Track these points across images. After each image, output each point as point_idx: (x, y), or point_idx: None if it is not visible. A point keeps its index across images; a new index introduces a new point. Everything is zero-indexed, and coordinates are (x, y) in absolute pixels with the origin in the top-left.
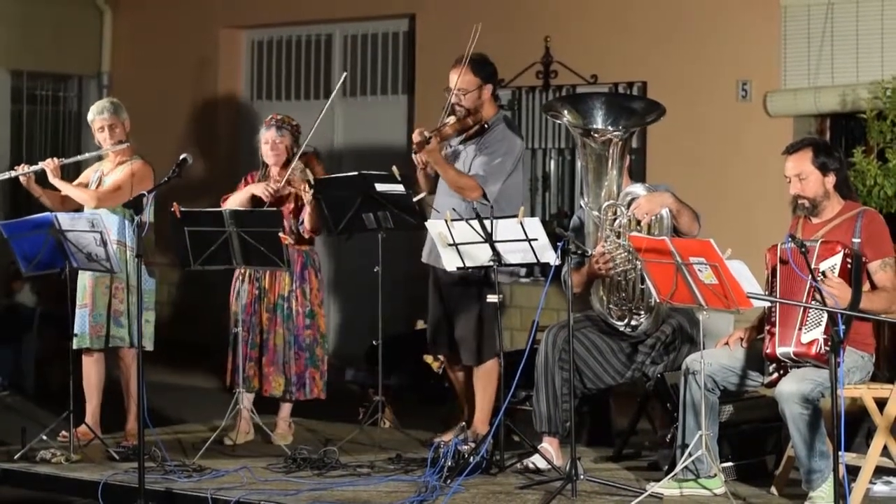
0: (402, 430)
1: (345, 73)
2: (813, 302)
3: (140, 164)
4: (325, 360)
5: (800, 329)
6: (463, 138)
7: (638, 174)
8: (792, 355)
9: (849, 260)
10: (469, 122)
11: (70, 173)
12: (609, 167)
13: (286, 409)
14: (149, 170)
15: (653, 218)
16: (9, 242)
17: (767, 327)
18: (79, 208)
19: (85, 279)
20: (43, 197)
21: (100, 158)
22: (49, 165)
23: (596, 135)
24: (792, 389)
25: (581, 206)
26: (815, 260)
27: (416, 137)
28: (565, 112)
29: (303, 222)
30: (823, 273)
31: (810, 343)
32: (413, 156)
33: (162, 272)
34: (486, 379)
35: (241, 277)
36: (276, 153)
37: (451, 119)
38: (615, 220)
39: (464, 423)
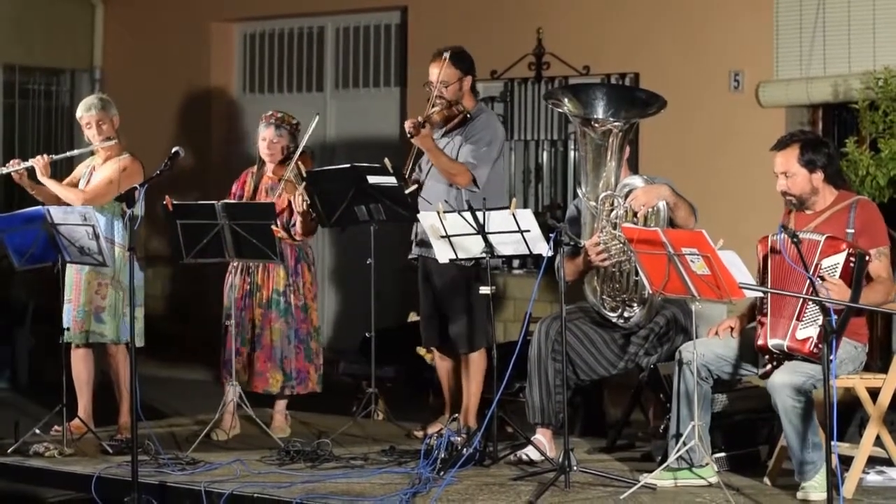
0: (396, 422)
1: (317, 115)
2: (809, 293)
3: (129, 160)
4: (321, 354)
5: (796, 322)
6: (445, 130)
7: (630, 164)
8: (785, 349)
9: (852, 259)
10: (454, 110)
11: (63, 168)
12: (608, 158)
13: (282, 402)
14: (138, 165)
15: (649, 210)
16: (1, 237)
17: (759, 318)
18: None
19: (72, 274)
20: (37, 194)
21: (91, 154)
22: (39, 163)
23: (596, 125)
24: (784, 381)
25: (579, 196)
26: (819, 255)
27: (409, 123)
28: (566, 100)
29: (294, 224)
30: (822, 277)
31: (805, 340)
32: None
33: (155, 266)
34: (475, 368)
35: (233, 271)
36: (272, 152)
37: (437, 108)
38: (612, 211)
39: (456, 414)
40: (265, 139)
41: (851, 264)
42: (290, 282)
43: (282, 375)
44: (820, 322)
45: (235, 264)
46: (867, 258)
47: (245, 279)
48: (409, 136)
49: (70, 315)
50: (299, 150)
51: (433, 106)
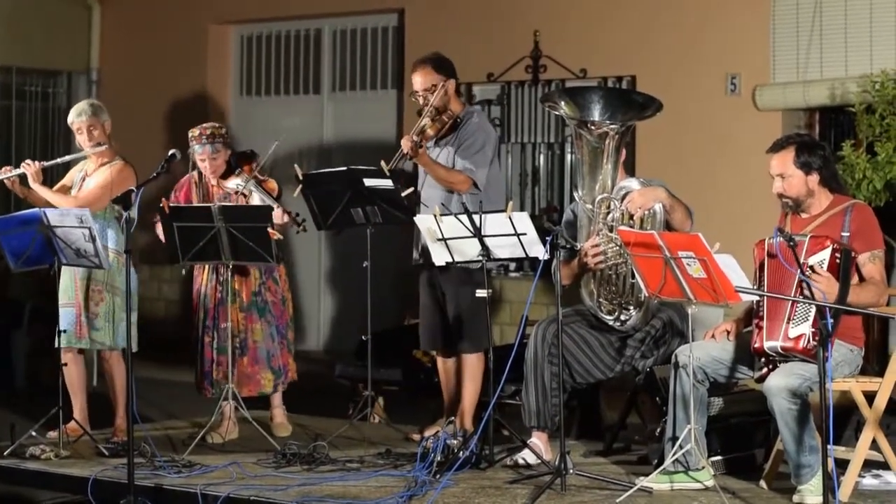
0: (392, 424)
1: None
2: (801, 296)
3: (121, 165)
4: (293, 341)
5: (787, 323)
6: (436, 138)
7: (627, 168)
8: (779, 350)
9: (837, 255)
10: (444, 118)
11: (57, 173)
12: (604, 160)
13: (277, 396)
14: (130, 171)
15: (646, 213)
16: None
17: (755, 321)
18: None
19: (68, 277)
20: (29, 198)
21: (84, 159)
22: (30, 170)
23: (592, 127)
24: (780, 384)
25: (575, 200)
26: (804, 254)
27: (406, 144)
28: (562, 103)
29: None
30: (812, 268)
31: (798, 338)
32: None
33: (151, 269)
34: (473, 371)
35: (203, 280)
36: (215, 168)
37: (427, 120)
38: (608, 213)
39: (453, 418)
40: (203, 159)
41: (837, 260)
42: (263, 279)
43: (272, 374)
44: (810, 318)
45: (203, 273)
46: (853, 254)
47: (217, 288)
48: (408, 158)
49: (74, 318)
50: (259, 165)
51: (423, 119)
